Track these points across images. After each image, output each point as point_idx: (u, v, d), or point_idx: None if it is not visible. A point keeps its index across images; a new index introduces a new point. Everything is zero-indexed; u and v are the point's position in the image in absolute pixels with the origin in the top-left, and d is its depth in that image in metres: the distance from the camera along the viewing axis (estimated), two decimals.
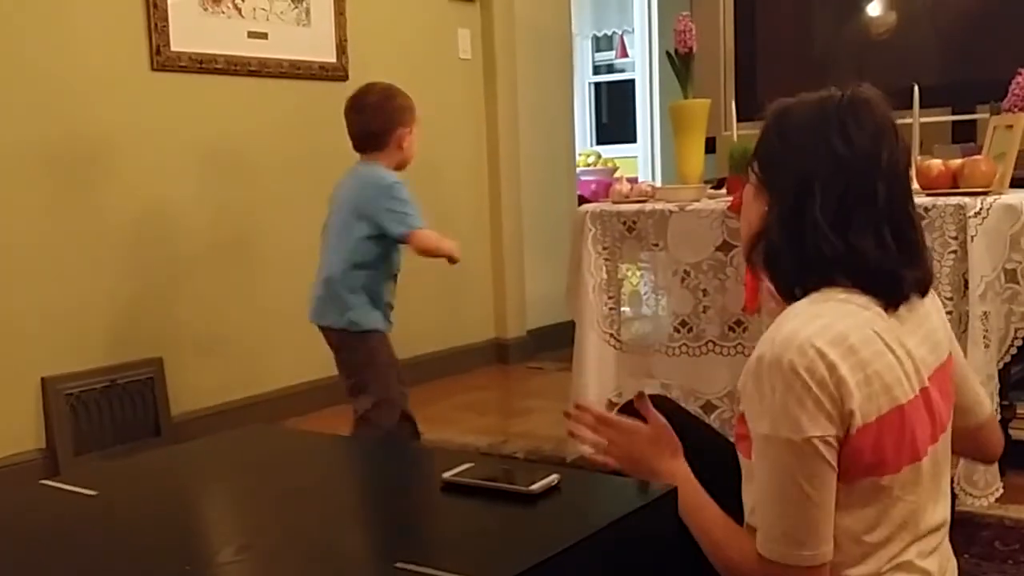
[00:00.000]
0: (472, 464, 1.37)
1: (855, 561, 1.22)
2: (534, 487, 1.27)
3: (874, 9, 3.44)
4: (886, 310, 1.24)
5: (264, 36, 3.55)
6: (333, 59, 3.80)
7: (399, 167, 2.79)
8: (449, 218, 4.36)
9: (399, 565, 1.08)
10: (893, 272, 1.25)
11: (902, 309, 1.26)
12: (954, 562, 1.35)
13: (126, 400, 3.18)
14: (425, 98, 4.20)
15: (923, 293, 1.30)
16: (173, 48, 3.27)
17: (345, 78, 3.84)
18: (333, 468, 1.62)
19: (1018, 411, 2.68)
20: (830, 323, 1.19)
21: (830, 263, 1.24)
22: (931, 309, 1.34)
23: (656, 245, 2.72)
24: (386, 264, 2.73)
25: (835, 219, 1.23)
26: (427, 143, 4.22)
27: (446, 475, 1.32)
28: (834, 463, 1.17)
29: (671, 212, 2.66)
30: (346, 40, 3.83)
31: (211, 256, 3.45)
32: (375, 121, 2.73)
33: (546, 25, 4.82)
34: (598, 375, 2.81)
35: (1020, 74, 2.35)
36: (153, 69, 3.25)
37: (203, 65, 3.37)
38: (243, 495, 1.47)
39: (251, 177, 3.58)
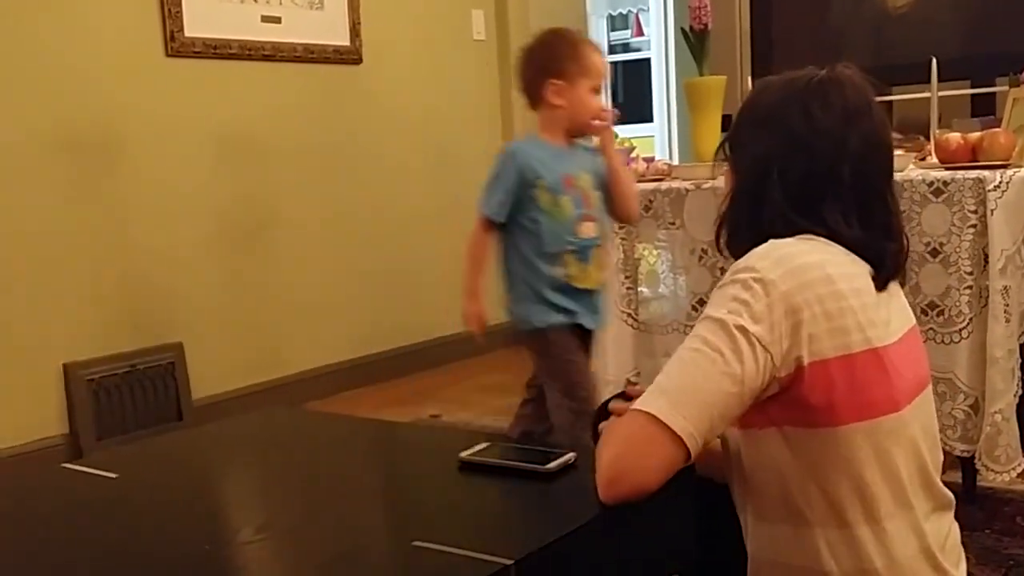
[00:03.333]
0: (489, 444, 1.38)
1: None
2: (550, 466, 1.28)
3: None
4: (882, 280, 1.24)
5: (278, 20, 3.55)
6: (347, 42, 3.80)
7: (571, 131, 2.30)
8: (464, 201, 4.35)
9: (417, 543, 1.09)
10: (870, 248, 1.24)
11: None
12: (955, 532, 1.31)
13: (147, 385, 3.20)
14: (439, 80, 4.21)
15: (896, 275, 1.29)
16: (187, 34, 3.28)
17: (359, 61, 3.84)
18: (351, 449, 1.63)
19: None
20: (809, 249, 1.20)
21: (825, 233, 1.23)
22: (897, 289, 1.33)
23: (673, 224, 2.71)
24: (523, 246, 2.28)
25: (796, 201, 1.23)
26: (441, 125, 4.24)
27: (463, 455, 1.33)
28: (757, 369, 1.12)
29: (687, 191, 2.65)
30: (359, 23, 3.83)
31: (229, 241, 3.47)
32: (520, 76, 2.34)
33: (561, 4, 4.79)
34: (616, 355, 2.81)
35: None
36: (168, 55, 3.26)
37: (217, 50, 3.38)
38: (262, 476, 1.48)
39: (267, 161, 3.58)
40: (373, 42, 3.88)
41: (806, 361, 1.14)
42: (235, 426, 1.79)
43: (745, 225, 1.28)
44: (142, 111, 3.21)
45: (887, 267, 1.24)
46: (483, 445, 1.37)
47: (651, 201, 2.71)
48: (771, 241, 1.21)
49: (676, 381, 1.14)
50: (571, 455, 1.31)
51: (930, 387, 1.31)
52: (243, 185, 3.51)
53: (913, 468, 1.22)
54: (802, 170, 1.23)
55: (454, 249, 4.27)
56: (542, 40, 2.34)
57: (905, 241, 1.29)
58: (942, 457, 1.30)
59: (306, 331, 3.72)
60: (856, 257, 1.22)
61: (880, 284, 1.23)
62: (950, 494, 1.29)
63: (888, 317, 1.22)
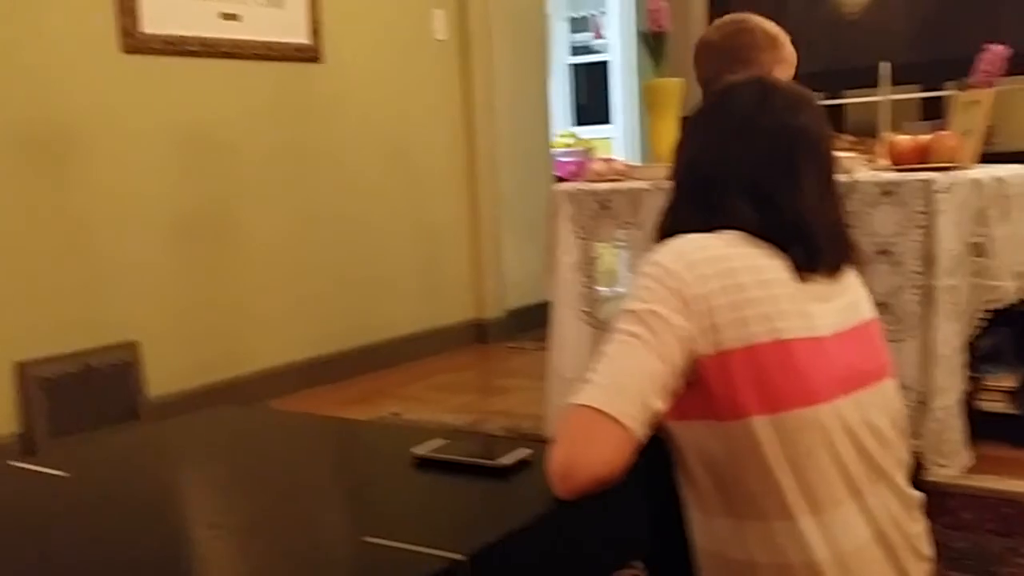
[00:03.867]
0: (444, 441, 1.39)
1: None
2: (505, 461, 1.29)
3: None
4: (804, 272, 1.24)
5: (237, 17, 3.53)
6: (307, 40, 3.79)
7: None
8: (426, 199, 4.37)
9: (368, 539, 1.10)
10: (781, 240, 1.25)
11: (813, 278, 1.26)
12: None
13: (102, 384, 3.18)
14: (400, 80, 4.22)
15: (836, 269, 1.30)
16: (145, 30, 3.26)
17: (320, 60, 3.83)
18: (304, 446, 1.63)
19: (986, 383, 2.73)
20: (715, 243, 1.23)
21: (743, 227, 1.26)
22: (852, 282, 1.34)
23: (631, 223, 2.73)
24: None
25: (704, 197, 1.29)
26: (402, 125, 4.24)
27: (417, 451, 1.34)
28: (675, 343, 1.15)
29: (645, 191, 2.67)
30: (320, 21, 3.82)
31: (187, 239, 3.45)
32: (701, 66, 2.19)
33: (521, 6, 4.82)
34: (574, 353, 2.83)
35: (986, 50, 2.38)
36: (124, 52, 3.23)
37: (175, 47, 3.35)
38: (215, 474, 1.48)
39: (227, 160, 3.57)
40: (334, 41, 3.88)
41: (710, 351, 1.16)
42: (188, 424, 1.78)
43: (670, 222, 1.33)
44: (98, 108, 3.18)
45: (803, 259, 1.24)
46: (438, 441, 1.38)
47: (609, 201, 2.74)
48: (680, 236, 1.25)
49: (604, 371, 1.17)
50: (527, 450, 1.32)
51: (888, 382, 1.31)
52: (201, 183, 3.49)
53: (850, 462, 1.21)
54: (708, 167, 1.30)
55: (415, 248, 4.30)
56: (735, 29, 2.16)
57: (837, 233, 1.30)
58: (904, 453, 1.31)
59: (265, 330, 3.71)
60: (775, 251, 1.24)
61: (803, 276, 1.23)
62: (911, 490, 1.29)
63: (811, 310, 1.23)
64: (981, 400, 2.70)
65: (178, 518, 1.32)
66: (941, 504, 2.32)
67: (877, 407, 1.28)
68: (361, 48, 4.03)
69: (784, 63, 2.14)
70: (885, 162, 2.43)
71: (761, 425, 1.17)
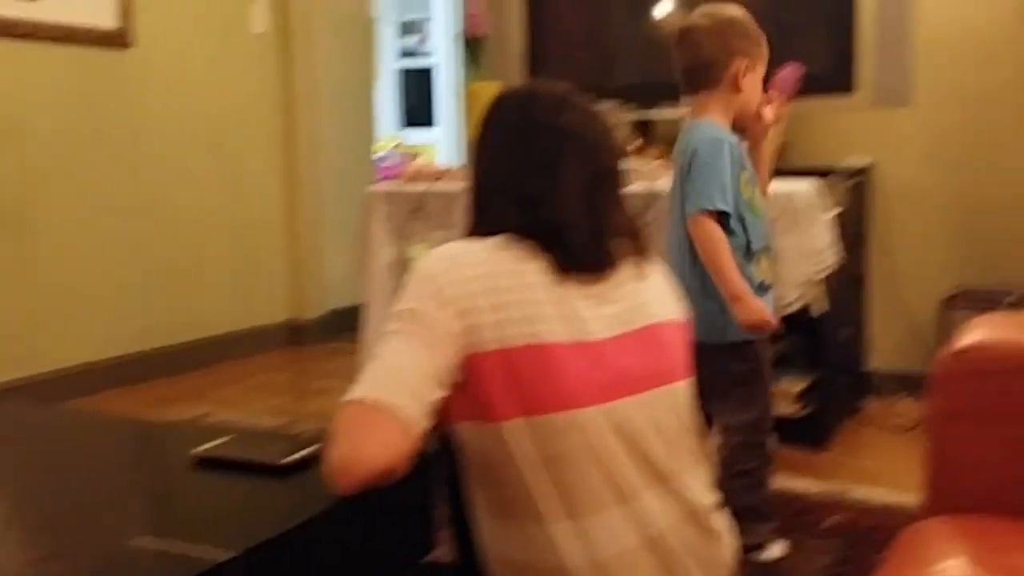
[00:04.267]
0: (229, 439, 1.36)
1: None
2: (287, 460, 1.27)
3: (663, 10, 3.60)
4: (563, 275, 1.25)
5: None
6: (114, 25, 3.62)
7: (737, 121, 2.06)
8: (242, 195, 4.26)
9: (137, 539, 1.06)
10: (566, 241, 1.27)
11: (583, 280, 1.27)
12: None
13: None
14: (216, 72, 4.10)
15: (603, 271, 1.30)
16: None
17: (128, 45, 3.68)
18: (87, 446, 1.56)
19: (777, 388, 2.87)
20: (478, 248, 1.25)
21: (511, 230, 1.28)
22: (643, 285, 1.35)
23: (445, 225, 2.75)
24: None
25: (478, 202, 1.32)
26: (217, 118, 4.12)
27: (197, 450, 1.30)
28: (443, 335, 1.17)
29: (460, 193, 2.69)
30: (130, 8, 3.66)
31: None
32: (699, 49, 2.02)
33: (346, 6, 4.77)
34: None
35: (782, 68, 2.50)
36: None
37: None
38: None
39: (24, 145, 3.37)
40: (144, 28, 3.73)
41: (471, 351, 1.18)
42: None
43: (465, 228, 1.35)
44: None
45: (564, 261, 1.25)
46: (221, 440, 1.34)
47: (424, 202, 2.75)
48: (449, 243, 1.28)
49: (374, 367, 1.16)
50: (314, 448, 1.30)
51: (680, 384, 1.32)
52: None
53: (619, 467, 1.21)
54: (481, 174, 1.33)
55: (231, 244, 4.19)
56: (727, 16, 2.04)
57: (604, 234, 1.30)
58: (698, 455, 1.32)
59: (67, 325, 3.52)
60: (540, 253, 1.25)
61: (566, 277, 1.24)
62: (706, 494, 1.30)
63: (581, 313, 1.23)
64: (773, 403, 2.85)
65: None
66: None
67: (665, 410, 1.29)
68: (175, 36, 3.89)
69: (762, 64, 2.07)
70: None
71: (516, 428, 1.18)
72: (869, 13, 3.08)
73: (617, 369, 1.24)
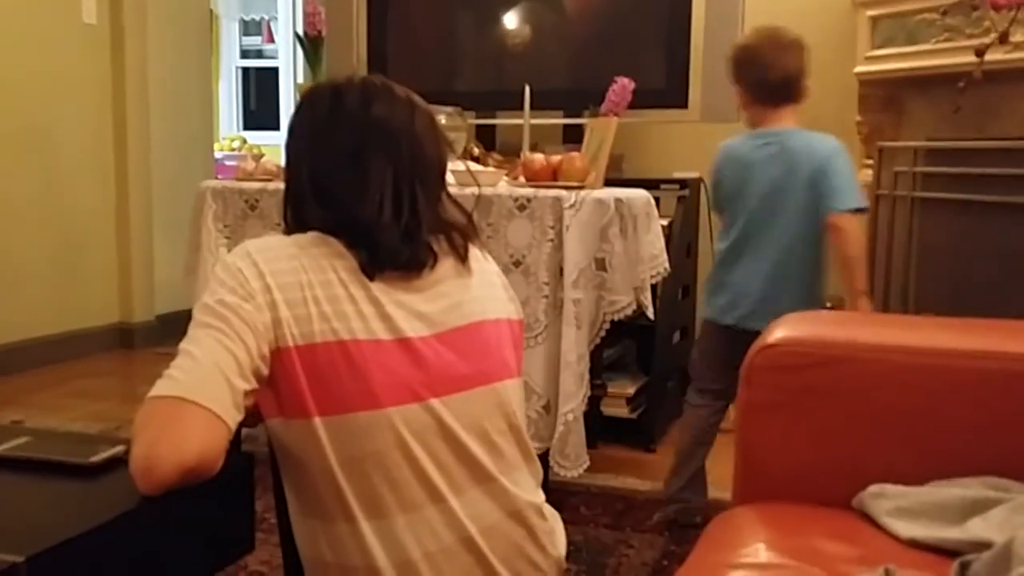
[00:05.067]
0: (30, 439, 1.29)
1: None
2: (94, 459, 1.22)
3: (510, 21, 3.65)
4: (370, 273, 1.23)
5: None
6: None
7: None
8: (67, 194, 4.06)
9: None
10: (371, 238, 1.25)
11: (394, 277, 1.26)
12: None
13: None
14: (43, 62, 3.90)
15: (417, 270, 1.28)
16: None
17: None
18: None
19: (609, 390, 2.95)
20: (285, 243, 1.24)
21: (320, 227, 1.27)
22: (466, 282, 1.34)
23: (279, 224, 2.68)
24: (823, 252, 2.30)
25: (291, 198, 1.32)
26: (42, 110, 3.92)
27: None
28: (247, 326, 1.14)
29: None
30: None
31: None
32: (795, 64, 2.27)
33: (184, 0, 4.62)
34: None
35: (615, 82, 2.57)
36: None
37: None
38: None
39: None
40: None
41: (274, 346, 1.16)
42: None
43: (289, 211, 1.33)
44: None
45: (369, 259, 1.23)
46: (22, 440, 1.27)
47: (258, 201, 2.68)
48: (261, 238, 1.26)
49: (179, 363, 1.12)
50: (120, 448, 1.25)
51: (506, 383, 1.31)
52: None
53: (435, 466, 1.20)
54: (290, 171, 1.32)
55: (54, 242, 3.98)
56: (798, 37, 2.29)
57: (417, 232, 1.27)
58: (524, 453, 1.32)
59: None
60: (347, 251, 1.23)
61: (373, 276, 1.23)
62: (529, 492, 1.31)
63: (390, 311, 1.21)
64: (604, 405, 2.92)
65: None
66: (562, 501, 2.46)
67: (489, 408, 1.28)
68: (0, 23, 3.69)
69: None
70: (521, 178, 2.56)
71: (320, 426, 1.16)
72: (699, 33, 3.21)
73: (435, 368, 1.22)
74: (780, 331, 1.36)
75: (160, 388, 1.10)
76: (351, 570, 1.18)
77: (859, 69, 3.32)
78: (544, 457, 2.47)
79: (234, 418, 1.10)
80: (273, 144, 6.49)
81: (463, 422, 1.24)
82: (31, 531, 1.05)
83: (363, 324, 1.19)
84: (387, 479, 1.18)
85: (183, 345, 1.15)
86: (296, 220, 1.30)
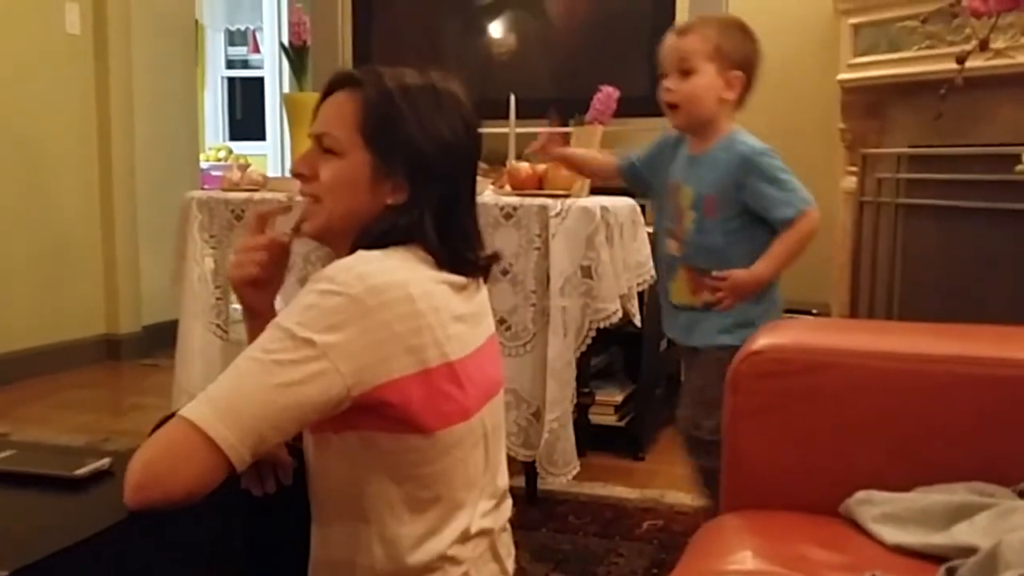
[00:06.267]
0: (15, 452, 1.28)
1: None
2: (80, 472, 1.21)
3: (496, 30, 3.66)
4: (452, 285, 1.28)
5: None
6: None
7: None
8: (52, 205, 4.04)
9: None
10: (467, 255, 1.30)
11: (467, 285, 1.31)
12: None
13: None
14: (26, 73, 3.89)
15: (484, 275, 1.37)
16: None
17: None
18: None
19: (597, 398, 2.95)
20: (395, 268, 1.21)
21: (427, 241, 1.27)
22: (484, 293, 1.42)
23: (287, 234, 2.68)
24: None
25: (443, 208, 1.28)
26: (27, 119, 3.91)
27: None
28: (320, 385, 1.12)
29: (280, 203, 2.63)
30: None
31: None
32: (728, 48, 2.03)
33: (167, 9, 4.61)
34: (204, 368, 2.72)
35: (599, 90, 2.58)
36: None
37: None
38: None
39: None
40: None
41: (383, 379, 1.15)
42: None
43: (349, 223, 1.28)
44: None
45: (469, 278, 1.29)
46: (6, 453, 1.26)
47: (244, 211, 2.68)
48: (359, 254, 1.21)
49: (227, 389, 1.10)
50: (106, 460, 1.24)
51: (501, 391, 1.38)
52: None
53: (482, 467, 1.29)
54: (446, 173, 1.28)
55: (39, 253, 3.96)
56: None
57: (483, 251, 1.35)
58: (505, 455, 1.39)
59: None
60: (440, 272, 1.26)
61: (462, 294, 1.28)
62: (506, 487, 1.39)
63: (464, 331, 1.26)
64: (592, 413, 2.92)
65: None
66: (551, 511, 2.47)
67: (499, 413, 1.37)
68: None
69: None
70: (507, 187, 2.57)
71: (434, 440, 1.21)
72: None
73: (479, 380, 1.28)
74: (764, 339, 1.37)
75: (194, 411, 1.09)
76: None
77: (842, 76, 3.34)
78: (532, 465, 2.48)
79: (244, 464, 1.10)
80: (259, 154, 6.49)
81: (490, 428, 1.32)
82: (16, 545, 1.04)
83: (458, 345, 1.23)
84: (465, 481, 1.27)
85: (242, 363, 1.12)
86: (378, 232, 1.26)
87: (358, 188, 1.26)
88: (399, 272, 1.20)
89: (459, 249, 1.29)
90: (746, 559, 1.12)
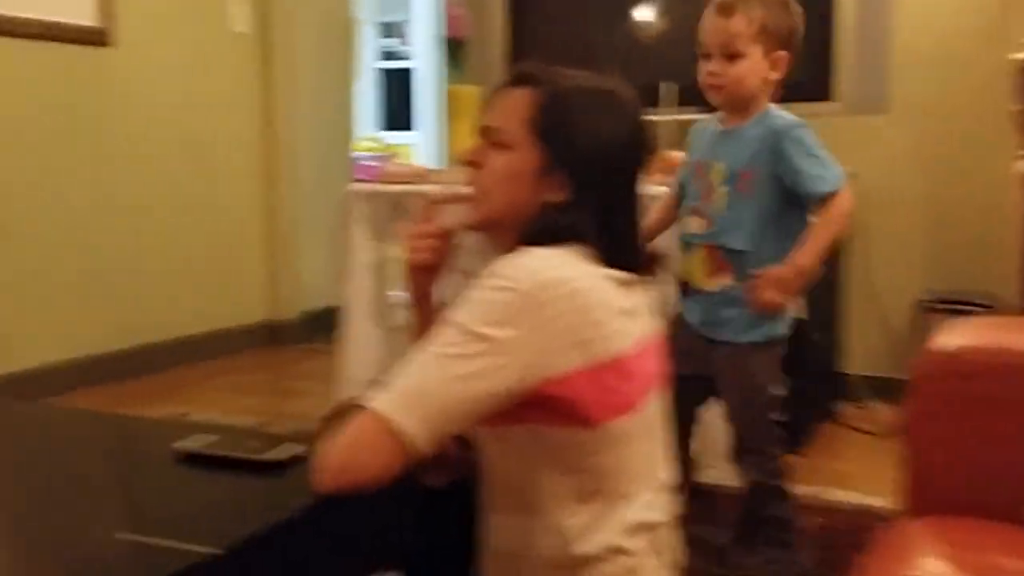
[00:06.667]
0: (214, 436, 1.36)
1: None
2: (274, 456, 1.27)
3: (642, 15, 3.64)
4: (617, 280, 1.29)
5: None
6: (94, 23, 3.60)
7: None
8: (221, 194, 4.24)
9: (122, 535, 1.06)
10: (629, 253, 1.32)
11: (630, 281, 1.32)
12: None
13: None
14: (196, 71, 4.08)
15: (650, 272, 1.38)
16: None
17: (108, 43, 3.66)
18: (68, 442, 1.55)
19: None
20: (560, 264, 1.23)
21: (590, 239, 1.28)
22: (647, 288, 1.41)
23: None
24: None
25: (606, 207, 1.29)
26: (198, 116, 4.10)
27: (180, 445, 1.30)
28: (496, 377, 1.15)
29: (451, 192, 2.69)
30: (111, 4, 3.65)
31: None
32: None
33: (327, 6, 4.76)
34: (365, 355, 2.82)
35: None
36: None
37: None
38: None
39: (2, 143, 3.34)
40: (125, 26, 3.71)
41: (552, 373, 1.17)
42: None
43: (509, 216, 1.30)
44: None
45: (634, 273, 1.30)
46: (207, 437, 1.34)
47: (405, 203, 2.75)
48: (527, 250, 1.23)
49: (411, 381, 1.15)
50: (297, 446, 1.31)
51: (665, 384, 1.38)
52: None
53: (646, 459, 1.30)
54: (621, 170, 1.30)
55: (208, 243, 4.17)
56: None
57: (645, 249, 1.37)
58: (669, 449, 1.39)
59: (45, 323, 3.50)
60: (604, 268, 1.26)
61: (626, 289, 1.28)
62: (672, 481, 1.38)
63: (629, 325, 1.27)
64: None
65: None
66: (710, 504, 2.44)
67: (664, 405, 1.36)
68: (155, 34, 3.88)
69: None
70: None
71: (602, 432, 1.23)
72: (847, 21, 3.11)
73: (645, 373, 1.30)
74: (950, 338, 1.32)
75: (381, 401, 1.13)
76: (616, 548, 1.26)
77: (1015, 56, 3.17)
78: (693, 458, 2.45)
79: (424, 453, 1.14)
80: (408, 143, 6.63)
81: (656, 420, 1.33)
82: (227, 524, 1.11)
83: (625, 339, 1.25)
84: (634, 472, 1.28)
85: (424, 356, 1.16)
86: (549, 228, 1.27)
87: (522, 182, 1.29)
88: (566, 268, 1.23)
89: (621, 248, 1.30)
90: (936, 566, 1.09)
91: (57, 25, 3.47)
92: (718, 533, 2.23)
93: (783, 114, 1.96)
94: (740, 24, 1.89)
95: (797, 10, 1.96)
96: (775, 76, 1.94)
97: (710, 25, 1.95)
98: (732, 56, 1.91)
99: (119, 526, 1.08)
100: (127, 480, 1.34)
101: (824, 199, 1.86)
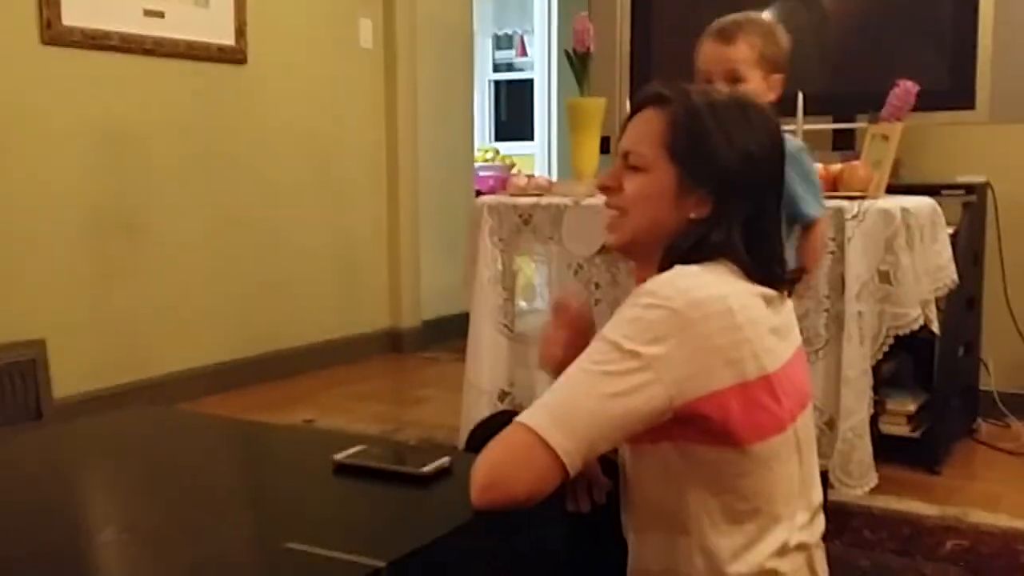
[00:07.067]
0: (364, 447, 1.39)
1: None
2: (426, 469, 1.29)
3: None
4: (765, 298, 1.29)
5: (161, 15, 3.47)
6: (231, 42, 3.74)
7: None
8: (346, 207, 4.34)
9: (288, 545, 1.09)
10: (775, 268, 1.32)
11: (776, 298, 1.32)
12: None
13: (5, 382, 3.07)
14: (324, 86, 4.19)
15: (789, 288, 1.37)
16: (65, 22, 3.18)
17: (244, 61, 3.79)
18: (221, 449, 1.61)
19: (888, 407, 2.82)
20: (713, 282, 1.23)
21: (737, 254, 1.28)
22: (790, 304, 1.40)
23: (551, 238, 2.76)
24: None
25: (750, 221, 1.29)
26: (325, 131, 4.22)
27: (338, 457, 1.34)
28: (645, 396, 1.15)
29: (566, 206, 2.71)
30: (246, 23, 3.78)
31: (99, 237, 3.36)
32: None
33: (448, 21, 4.84)
34: (491, 365, 2.84)
35: (897, 85, 2.47)
36: (43, 43, 3.15)
37: (96, 41, 3.28)
38: (126, 476, 1.45)
39: (144, 157, 3.49)
40: (259, 44, 3.84)
41: (703, 392, 1.17)
42: (97, 424, 1.74)
43: (652, 235, 1.31)
44: (13, 99, 3.09)
45: (780, 291, 1.30)
46: (358, 448, 1.37)
47: (530, 215, 2.76)
48: (677, 268, 1.24)
49: (562, 398, 1.17)
50: (447, 459, 1.33)
51: (811, 403, 1.37)
52: (117, 180, 3.41)
53: (797, 479, 1.29)
54: (760, 189, 1.30)
55: (333, 255, 4.27)
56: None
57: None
58: (818, 469, 1.38)
59: (177, 332, 3.63)
60: (754, 285, 1.26)
61: (773, 306, 1.28)
62: (821, 501, 1.37)
63: (777, 343, 1.26)
64: (883, 423, 2.80)
65: (86, 520, 1.29)
66: (844, 523, 2.39)
67: (811, 424, 1.35)
68: (286, 52, 4.00)
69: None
70: None
71: (750, 452, 1.22)
72: (987, 26, 3.00)
73: (792, 392, 1.28)
74: None
75: (534, 417, 1.15)
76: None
77: None
78: (824, 475, 2.40)
79: (576, 470, 1.15)
80: (525, 154, 6.67)
81: (804, 440, 1.31)
82: (386, 537, 1.14)
83: (773, 358, 1.24)
84: (779, 493, 1.27)
85: (577, 374, 1.17)
86: (699, 245, 1.28)
87: (663, 202, 1.30)
88: (718, 286, 1.22)
89: (767, 263, 1.30)
90: None
91: (197, 44, 3.61)
92: (859, 555, 2.17)
93: (788, 137, 1.95)
94: (742, 50, 1.98)
95: (785, 35, 2.06)
96: (772, 97, 2.01)
97: (711, 52, 2.03)
98: (735, 81, 1.98)
99: (288, 536, 1.11)
100: (285, 489, 1.38)
101: (811, 224, 2.02)
